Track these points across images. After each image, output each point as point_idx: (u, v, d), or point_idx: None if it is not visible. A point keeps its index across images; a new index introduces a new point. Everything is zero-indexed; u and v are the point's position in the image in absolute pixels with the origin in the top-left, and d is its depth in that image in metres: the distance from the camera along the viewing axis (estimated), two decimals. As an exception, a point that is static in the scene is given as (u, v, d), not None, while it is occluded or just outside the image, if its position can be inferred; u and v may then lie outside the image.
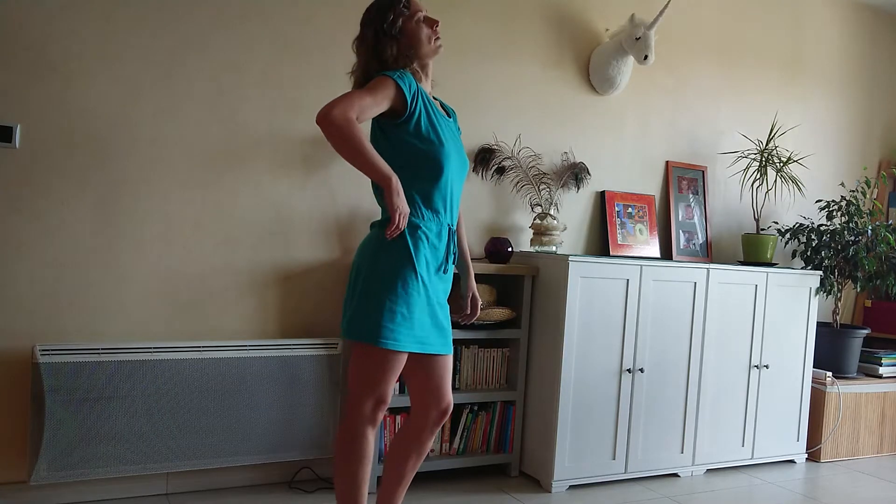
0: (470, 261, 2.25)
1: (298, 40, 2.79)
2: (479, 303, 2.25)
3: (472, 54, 3.13)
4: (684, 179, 3.70)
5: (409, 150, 1.90)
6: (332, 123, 1.71)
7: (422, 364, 2.00)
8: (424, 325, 1.91)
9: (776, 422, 3.44)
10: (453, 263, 2.01)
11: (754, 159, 3.71)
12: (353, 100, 1.76)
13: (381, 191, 1.80)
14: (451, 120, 2.07)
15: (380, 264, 1.87)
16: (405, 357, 1.92)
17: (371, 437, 1.91)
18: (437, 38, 1.98)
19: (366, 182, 2.91)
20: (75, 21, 2.45)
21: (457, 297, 2.27)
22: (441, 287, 1.99)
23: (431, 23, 1.97)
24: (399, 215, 1.76)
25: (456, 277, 2.27)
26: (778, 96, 3.97)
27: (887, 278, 3.60)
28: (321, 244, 2.85)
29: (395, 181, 1.76)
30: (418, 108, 1.89)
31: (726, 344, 3.27)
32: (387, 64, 1.91)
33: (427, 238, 1.91)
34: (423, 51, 1.96)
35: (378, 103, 1.80)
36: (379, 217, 2.03)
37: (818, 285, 3.53)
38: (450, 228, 1.98)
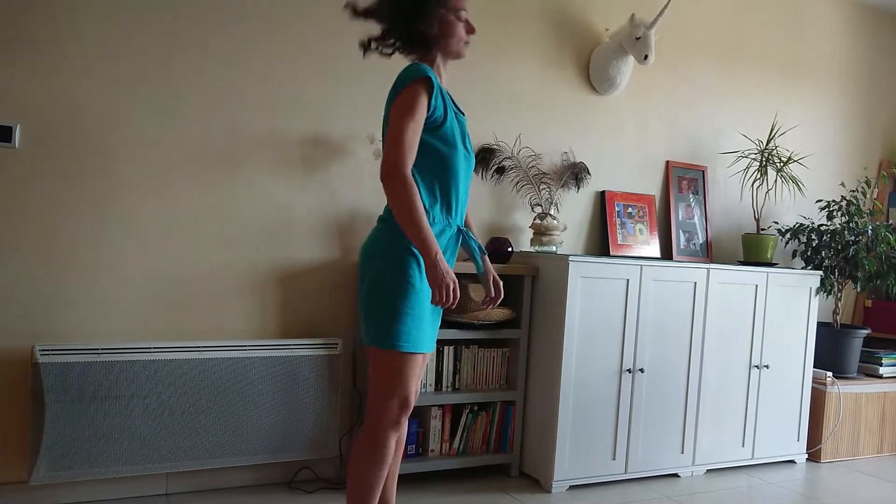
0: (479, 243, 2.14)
1: (298, 39, 2.79)
2: (501, 283, 2.13)
3: (473, 54, 3.12)
4: (684, 179, 3.70)
5: (428, 150, 1.88)
6: (395, 192, 1.74)
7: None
8: (429, 323, 1.92)
9: (776, 422, 3.44)
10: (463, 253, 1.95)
11: (754, 159, 3.71)
12: (404, 140, 1.76)
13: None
14: (464, 117, 2.06)
15: (385, 267, 1.85)
16: (424, 357, 1.96)
17: (393, 441, 1.89)
18: (468, 43, 1.96)
19: (365, 182, 2.92)
20: (75, 21, 2.45)
21: (481, 283, 2.13)
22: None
23: (470, 28, 1.96)
24: (444, 288, 1.75)
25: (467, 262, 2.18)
26: (778, 96, 3.97)
27: (887, 278, 3.60)
28: (321, 244, 2.85)
29: (439, 255, 1.75)
30: (446, 111, 1.88)
31: (726, 344, 3.27)
32: (417, 40, 1.89)
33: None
34: (451, 48, 1.94)
35: (420, 123, 1.80)
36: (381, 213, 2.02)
37: (818, 285, 3.53)
38: (459, 230, 1.98)
